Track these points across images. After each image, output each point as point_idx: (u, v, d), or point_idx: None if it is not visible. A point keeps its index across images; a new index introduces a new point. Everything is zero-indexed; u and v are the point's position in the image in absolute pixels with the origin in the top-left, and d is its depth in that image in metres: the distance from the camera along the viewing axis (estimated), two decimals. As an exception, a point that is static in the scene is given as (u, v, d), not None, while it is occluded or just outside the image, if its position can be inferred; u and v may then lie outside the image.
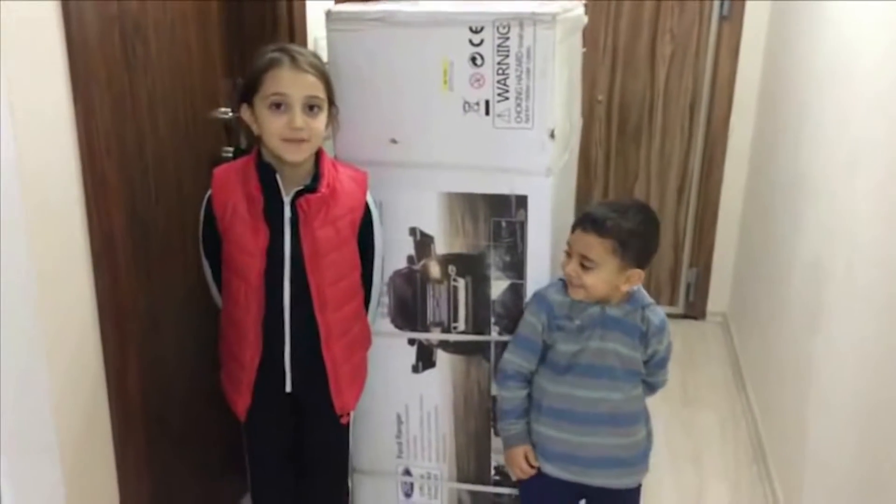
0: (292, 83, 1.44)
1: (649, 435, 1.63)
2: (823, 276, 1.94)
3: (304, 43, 2.12)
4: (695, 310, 3.34)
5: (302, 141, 1.45)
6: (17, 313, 1.14)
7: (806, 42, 2.42)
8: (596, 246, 1.49)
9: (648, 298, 1.59)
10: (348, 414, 1.66)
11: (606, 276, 1.51)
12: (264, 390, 1.59)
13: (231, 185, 1.52)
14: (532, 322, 1.61)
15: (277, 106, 1.44)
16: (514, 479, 1.70)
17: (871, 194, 1.64)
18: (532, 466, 1.64)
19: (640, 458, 1.62)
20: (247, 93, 1.47)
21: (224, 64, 1.92)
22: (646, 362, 1.59)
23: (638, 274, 1.52)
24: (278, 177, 1.48)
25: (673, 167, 3.22)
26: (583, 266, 1.51)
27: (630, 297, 1.56)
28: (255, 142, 1.53)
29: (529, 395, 1.64)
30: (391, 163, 1.68)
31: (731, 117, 3.09)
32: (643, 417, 1.62)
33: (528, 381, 1.64)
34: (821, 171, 2.10)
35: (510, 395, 1.64)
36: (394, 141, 1.66)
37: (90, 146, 1.27)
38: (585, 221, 1.51)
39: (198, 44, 1.78)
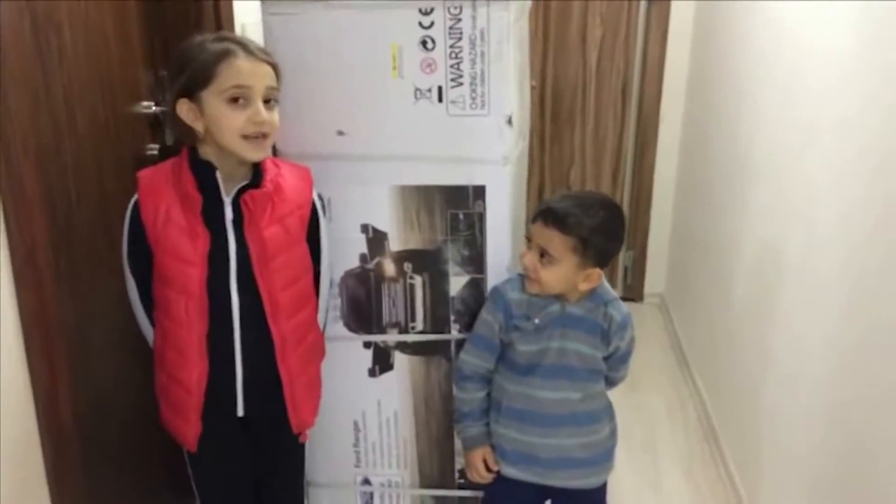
0: (252, 74, 1.31)
1: (613, 432, 1.58)
2: (776, 259, 1.95)
3: (232, 30, 1.98)
4: (632, 292, 3.36)
5: (264, 136, 1.34)
6: None
7: (738, 25, 2.43)
8: (556, 241, 1.42)
9: (611, 293, 1.53)
10: (305, 432, 1.55)
11: (564, 272, 1.44)
12: (214, 415, 1.44)
13: (160, 188, 1.38)
14: (488, 321, 1.54)
15: (235, 100, 1.31)
16: (473, 482, 1.63)
17: (830, 179, 1.63)
18: (490, 470, 1.57)
19: (603, 457, 1.57)
20: (190, 87, 1.32)
21: (145, 54, 1.76)
22: (607, 358, 1.53)
23: (598, 273, 1.46)
24: (218, 175, 1.36)
25: (607, 151, 3.22)
26: (541, 259, 1.45)
27: (591, 293, 1.50)
28: (186, 139, 1.39)
29: (489, 395, 1.57)
30: (339, 156, 1.57)
31: (663, 100, 3.10)
32: (606, 415, 1.57)
33: (488, 380, 1.57)
34: (765, 154, 2.11)
35: (468, 397, 1.57)
36: (341, 133, 1.55)
37: (6, 149, 1.12)
38: (547, 215, 1.43)
39: (115, 33, 1.62)
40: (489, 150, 1.54)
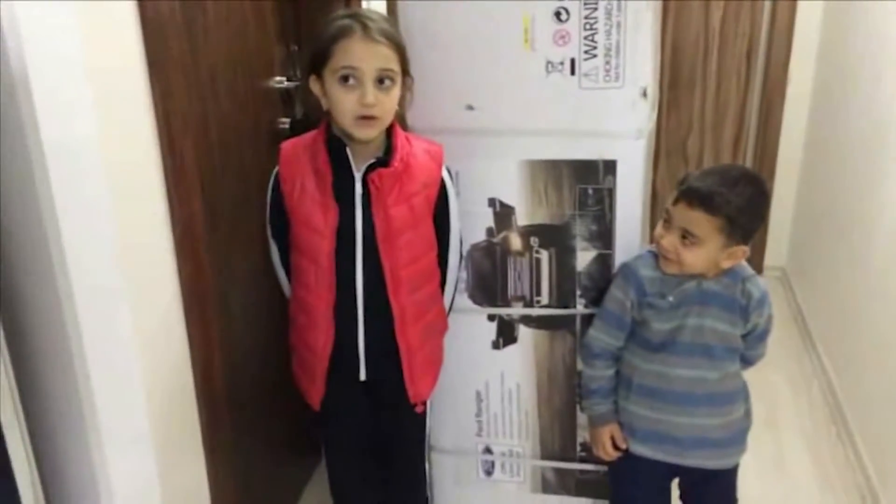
0: (363, 55, 1.31)
1: (748, 413, 1.54)
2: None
3: (359, 6, 2.00)
4: (752, 264, 3.22)
5: (373, 118, 1.34)
6: (109, 314, 1.09)
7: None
8: (703, 223, 1.38)
9: (749, 269, 1.48)
10: (423, 403, 1.58)
11: (708, 253, 1.40)
12: (338, 379, 1.50)
13: (299, 160, 1.42)
14: (620, 298, 1.51)
15: (346, 79, 1.32)
16: (598, 458, 1.63)
17: None
18: (618, 448, 1.57)
19: (738, 438, 1.53)
20: (315, 64, 1.34)
21: (278, 30, 1.81)
22: (745, 336, 1.49)
23: (742, 250, 1.41)
24: (348, 151, 1.38)
25: (728, 118, 3.08)
26: (683, 240, 1.41)
27: (729, 270, 1.46)
28: (323, 114, 1.42)
29: (617, 373, 1.56)
30: (467, 130, 1.57)
31: (791, 65, 2.94)
32: (742, 395, 1.53)
33: (617, 358, 1.55)
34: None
35: (597, 374, 1.56)
36: (470, 107, 1.55)
37: (168, 128, 1.19)
38: (692, 195, 1.38)
39: (251, 9, 1.67)
40: (622, 123, 1.50)
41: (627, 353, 1.54)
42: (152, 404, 1.24)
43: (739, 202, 1.36)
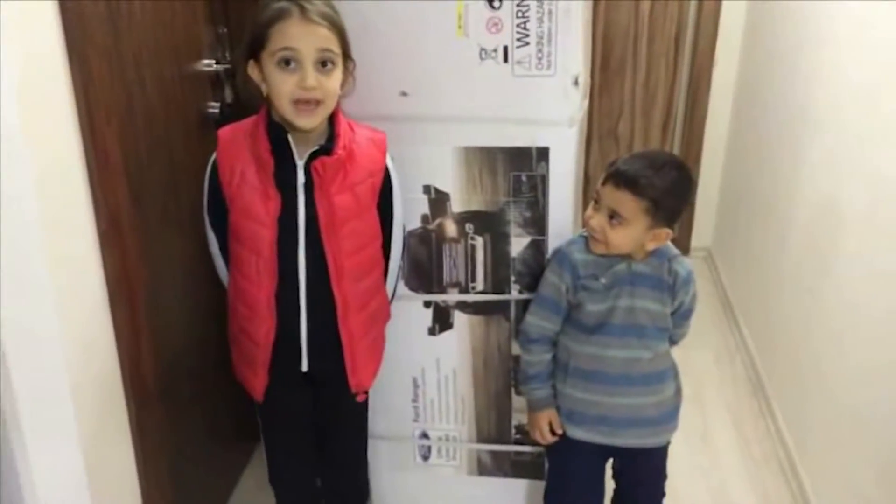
0: (302, 36, 1.28)
1: (678, 390, 1.60)
2: (835, 215, 1.92)
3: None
4: (679, 246, 3.29)
5: (315, 102, 1.31)
6: (33, 306, 1.06)
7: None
8: (629, 203, 1.42)
9: (674, 250, 1.53)
10: (365, 392, 1.58)
11: (634, 233, 1.44)
12: (280, 369, 1.48)
13: (238, 147, 1.38)
14: (555, 282, 1.54)
15: (287, 63, 1.28)
16: (535, 442, 1.67)
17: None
18: (555, 433, 1.60)
19: (670, 416, 1.59)
20: (253, 48, 1.31)
21: (205, 11, 1.76)
22: (671, 314, 1.54)
23: (666, 233, 1.46)
24: (290, 139, 1.35)
25: (658, 102, 3.16)
26: (610, 220, 1.45)
27: (656, 251, 1.50)
28: (258, 98, 1.38)
29: (554, 357, 1.60)
30: (402, 117, 1.56)
31: (717, 50, 3.02)
32: (671, 373, 1.58)
33: (554, 343, 1.58)
34: (825, 106, 2.06)
35: (534, 359, 1.59)
36: (404, 93, 1.55)
37: (91, 117, 1.14)
38: (619, 177, 1.42)
39: (177, -12, 1.62)
40: (554, 111, 1.52)
41: (563, 337, 1.57)
42: (77, 395, 1.21)
43: (664, 185, 1.40)
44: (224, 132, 1.41)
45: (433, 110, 1.56)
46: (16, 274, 1.00)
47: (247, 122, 1.41)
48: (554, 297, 1.55)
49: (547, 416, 1.59)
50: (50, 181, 1.09)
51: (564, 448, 1.62)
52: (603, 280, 1.49)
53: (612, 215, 1.44)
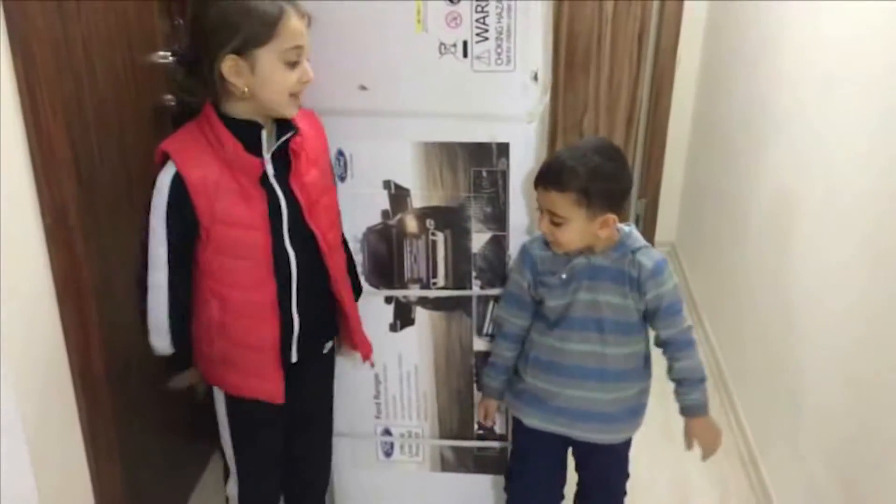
0: (303, 33, 1.30)
1: (644, 391, 1.58)
2: (793, 210, 1.95)
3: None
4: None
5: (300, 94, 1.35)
6: None
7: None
8: (559, 201, 1.41)
9: (640, 241, 1.50)
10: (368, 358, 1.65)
11: (578, 228, 1.43)
12: None
13: (200, 157, 1.29)
14: (517, 279, 1.56)
15: (292, 58, 1.29)
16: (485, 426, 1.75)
17: (851, 130, 1.62)
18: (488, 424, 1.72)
19: (628, 414, 1.58)
20: (246, 44, 1.25)
21: (160, 2, 1.72)
22: (654, 313, 1.48)
23: (612, 218, 1.43)
24: (263, 133, 1.33)
25: (622, 99, 3.17)
26: (552, 222, 1.44)
27: (618, 244, 1.49)
28: (197, 98, 1.33)
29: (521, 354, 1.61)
30: (361, 111, 1.55)
31: (679, 48, 3.05)
32: (637, 375, 1.55)
33: (522, 340, 1.60)
34: (784, 104, 2.08)
35: (498, 351, 1.62)
36: (363, 87, 1.53)
37: (35, 110, 1.11)
38: (544, 177, 1.43)
39: (131, -20, 1.58)
40: (514, 106, 1.51)
41: (531, 330, 1.58)
42: (22, 395, 1.18)
43: (586, 172, 1.39)
44: (172, 146, 1.29)
45: (392, 105, 1.54)
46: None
47: (190, 130, 1.33)
48: (517, 293, 1.56)
49: (489, 406, 1.69)
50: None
51: (525, 438, 1.64)
52: (563, 275, 1.49)
53: (552, 216, 1.44)
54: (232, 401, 1.47)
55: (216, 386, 1.48)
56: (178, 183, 1.27)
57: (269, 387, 1.44)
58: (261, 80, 1.28)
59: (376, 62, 1.51)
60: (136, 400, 1.63)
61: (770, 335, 2.07)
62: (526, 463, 1.67)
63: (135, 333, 1.60)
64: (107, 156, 1.48)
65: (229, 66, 1.26)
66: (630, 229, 1.51)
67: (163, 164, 1.29)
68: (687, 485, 2.10)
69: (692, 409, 1.53)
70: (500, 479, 1.81)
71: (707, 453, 1.56)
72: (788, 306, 1.94)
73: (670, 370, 1.53)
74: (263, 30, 1.25)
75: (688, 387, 1.52)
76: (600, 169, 1.40)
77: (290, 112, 1.35)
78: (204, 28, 1.26)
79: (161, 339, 1.37)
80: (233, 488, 1.58)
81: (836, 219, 1.69)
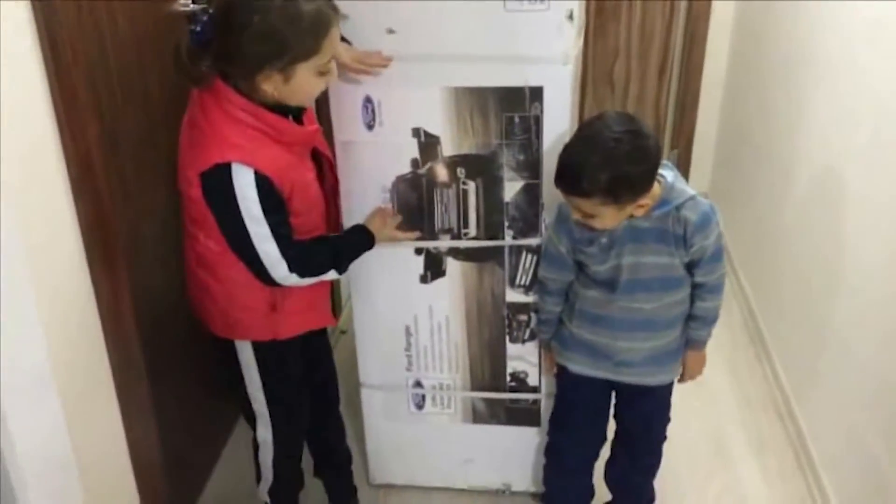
0: (339, 38, 1.32)
1: (685, 333, 1.56)
2: (839, 155, 1.87)
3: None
4: (675, 192, 3.28)
5: None
6: (3, 260, 1.00)
7: None
8: (584, 204, 1.36)
9: (685, 194, 1.41)
10: None
11: (611, 216, 1.38)
12: None
13: (259, 149, 1.29)
14: (556, 243, 1.52)
15: (326, 71, 1.31)
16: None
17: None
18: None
19: (673, 356, 1.56)
20: (293, 60, 1.24)
21: (180, -53, 1.67)
22: (697, 262, 1.44)
23: (647, 195, 1.37)
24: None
25: (654, 45, 3.07)
26: (584, 215, 1.39)
27: (661, 200, 1.40)
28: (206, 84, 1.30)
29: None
30: (389, 56, 1.50)
31: (715, -12, 2.93)
32: (680, 319, 1.52)
33: (567, 293, 1.58)
34: (833, 43, 1.99)
35: (551, 309, 1.61)
36: (391, 31, 1.47)
37: (57, 59, 1.07)
38: (563, 182, 1.37)
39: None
40: (548, 48, 1.45)
41: (575, 282, 1.55)
42: (54, 351, 1.17)
43: (608, 179, 1.32)
44: (233, 155, 1.26)
45: (421, 49, 1.49)
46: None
47: (239, 127, 1.28)
48: (557, 255, 1.53)
49: (551, 358, 1.67)
50: (14, 128, 1.03)
51: (569, 383, 1.64)
52: (604, 240, 1.44)
53: (581, 212, 1.39)
54: (259, 347, 1.48)
55: (247, 339, 1.48)
56: (263, 181, 1.27)
57: (324, 313, 1.57)
58: (291, 90, 1.29)
59: (404, 3, 1.46)
60: (168, 357, 1.62)
61: (810, 287, 2.01)
62: (572, 409, 1.66)
63: (166, 286, 1.60)
64: (130, 106, 1.45)
65: (267, 82, 1.26)
66: (673, 180, 1.42)
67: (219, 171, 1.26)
68: (720, 436, 2.08)
69: (697, 343, 1.58)
70: (533, 431, 1.80)
71: (688, 379, 1.64)
72: (830, 258, 1.88)
73: (691, 305, 1.53)
74: (309, 44, 1.24)
75: (701, 323, 1.55)
76: (621, 168, 1.32)
77: (307, 105, 1.42)
78: (249, 37, 1.22)
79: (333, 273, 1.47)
80: (263, 432, 1.59)
81: (882, 169, 1.61)
